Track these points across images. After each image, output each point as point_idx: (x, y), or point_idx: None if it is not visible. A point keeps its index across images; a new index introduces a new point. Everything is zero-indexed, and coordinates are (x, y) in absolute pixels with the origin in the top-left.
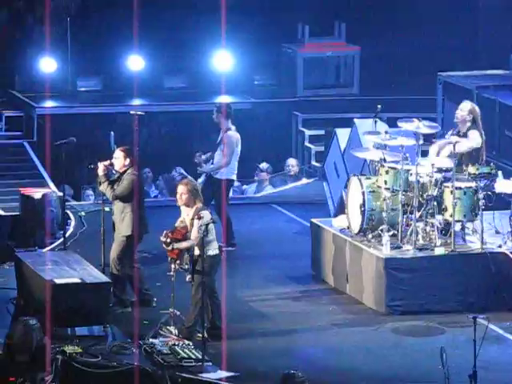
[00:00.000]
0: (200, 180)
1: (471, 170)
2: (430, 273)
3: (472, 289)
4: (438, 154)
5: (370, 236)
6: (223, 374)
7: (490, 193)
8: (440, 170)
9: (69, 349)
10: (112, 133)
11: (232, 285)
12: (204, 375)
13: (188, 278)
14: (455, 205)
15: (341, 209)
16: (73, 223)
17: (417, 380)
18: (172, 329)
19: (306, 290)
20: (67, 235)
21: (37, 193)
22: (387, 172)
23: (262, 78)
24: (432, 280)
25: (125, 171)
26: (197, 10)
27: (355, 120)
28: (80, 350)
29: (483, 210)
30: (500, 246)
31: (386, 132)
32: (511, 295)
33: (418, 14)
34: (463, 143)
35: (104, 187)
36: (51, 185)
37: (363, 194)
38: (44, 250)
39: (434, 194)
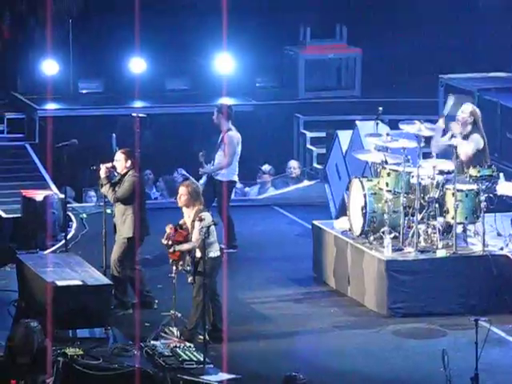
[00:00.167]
0: (201, 181)
1: (473, 172)
2: (432, 275)
3: (474, 291)
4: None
5: (371, 238)
6: (224, 376)
7: (491, 195)
8: (441, 172)
9: (70, 351)
10: (114, 135)
11: (233, 287)
12: (205, 377)
13: (189, 279)
14: (457, 207)
15: (342, 211)
16: (74, 225)
17: (418, 382)
18: (173, 331)
19: (307, 292)
20: (69, 237)
21: (38, 195)
22: (389, 174)
23: (263, 80)
24: (434, 282)
25: (126, 173)
26: (198, 13)
27: (357, 122)
28: (81, 352)
29: (485, 212)
30: (502, 249)
31: (388, 134)
32: None
33: (419, 15)
34: (464, 146)
35: (106, 189)
36: (53, 187)
37: (365, 196)
38: (45, 252)
39: (436, 196)
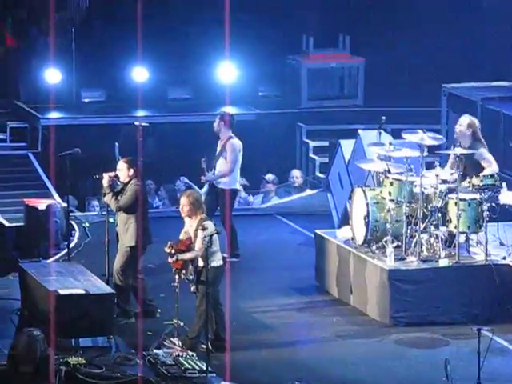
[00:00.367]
0: (203, 190)
1: (475, 181)
2: (435, 284)
3: (476, 300)
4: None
5: (374, 247)
6: None
7: (494, 204)
8: (444, 182)
9: (73, 360)
10: (117, 144)
11: (236, 296)
12: None
13: (192, 288)
14: (459, 216)
15: (345, 220)
16: (77, 234)
17: None
18: (176, 340)
19: (309, 301)
20: (71, 246)
21: (41, 204)
22: (391, 183)
23: (266, 89)
24: (436, 291)
25: (128, 182)
26: (201, 22)
27: (359, 131)
28: (84, 361)
29: (487, 221)
30: (504, 258)
31: (391, 143)
32: None
33: (422, 25)
34: (485, 173)
35: (108, 198)
36: (55, 196)
37: (367, 205)
38: (48, 261)
39: (439, 205)
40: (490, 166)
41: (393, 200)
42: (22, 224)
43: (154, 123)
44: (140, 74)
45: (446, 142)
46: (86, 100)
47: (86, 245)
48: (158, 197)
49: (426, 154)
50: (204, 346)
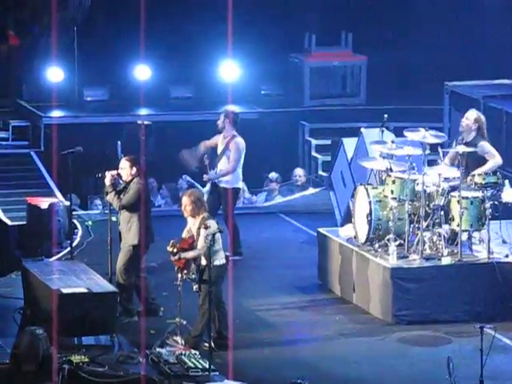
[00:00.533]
0: (206, 189)
1: (478, 179)
2: (437, 282)
3: (479, 298)
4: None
5: (376, 245)
6: (230, 383)
7: (496, 202)
8: (447, 180)
9: (75, 358)
10: (119, 142)
11: (238, 294)
12: None
13: (195, 287)
14: (462, 214)
15: (347, 218)
16: (80, 233)
17: None
18: (178, 338)
19: (312, 299)
20: (74, 245)
21: (43, 202)
22: (394, 182)
23: (268, 87)
24: (439, 290)
25: (131, 181)
26: (203, 20)
27: (362, 129)
28: (87, 360)
29: (490, 219)
30: (507, 256)
31: (393, 142)
32: None
33: (425, 23)
34: (488, 166)
35: (111, 197)
36: (58, 194)
37: (370, 203)
38: (51, 260)
39: (441, 203)
40: (494, 159)
41: (395, 198)
42: (25, 223)
43: (157, 122)
44: (142, 73)
45: (449, 139)
46: (89, 98)
47: (89, 243)
48: (160, 195)
49: (428, 152)
50: (207, 345)
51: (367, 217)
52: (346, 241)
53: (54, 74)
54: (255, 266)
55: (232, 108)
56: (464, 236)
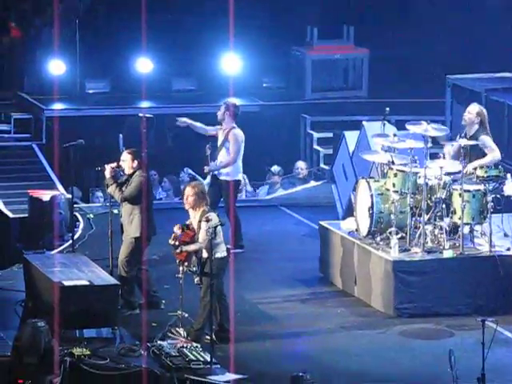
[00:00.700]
0: (206, 181)
1: (480, 172)
2: (439, 275)
3: (480, 292)
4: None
5: (378, 239)
6: (231, 376)
7: (498, 195)
8: (448, 173)
9: (77, 351)
10: (121, 135)
11: (240, 287)
12: (212, 377)
13: (196, 280)
14: (464, 207)
15: (349, 211)
16: (81, 225)
17: (425, 383)
18: (180, 331)
19: (314, 292)
20: (76, 237)
21: (45, 195)
22: (396, 175)
23: (270, 80)
24: (440, 283)
25: (133, 173)
26: (205, 13)
27: (364, 123)
28: (88, 352)
29: (492, 212)
30: (509, 249)
31: (395, 135)
32: None
33: (427, 16)
34: (486, 160)
35: (112, 189)
36: (60, 187)
37: (371, 196)
38: (52, 252)
39: (443, 196)
40: (492, 153)
41: (397, 191)
42: (27, 215)
43: (158, 114)
44: (144, 65)
45: (450, 132)
46: (90, 91)
47: (91, 236)
48: (161, 188)
49: (430, 145)
50: (208, 337)
51: (369, 210)
52: (348, 234)
53: (56, 67)
54: (257, 259)
55: (233, 101)
56: (466, 229)
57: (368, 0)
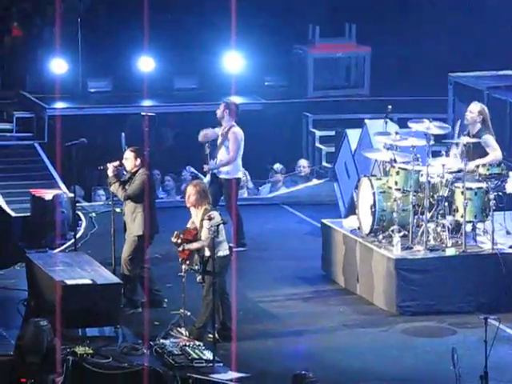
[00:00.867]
0: (206, 179)
1: (482, 170)
2: (441, 273)
3: (483, 289)
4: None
5: (380, 237)
6: (234, 374)
7: (500, 193)
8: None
9: (80, 350)
10: (123, 134)
11: (242, 285)
12: (215, 376)
13: (198, 278)
14: (466, 205)
15: (351, 209)
16: (84, 224)
17: (428, 380)
18: (183, 330)
19: (316, 290)
20: (78, 236)
21: (47, 194)
22: (398, 173)
23: (272, 78)
24: (443, 281)
25: (136, 171)
26: (207, 11)
27: (366, 121)
28: (91, 351)
29: (494, 210)
30: (511, 247)
31: (397, 133)
32: None
33: (428, 14)
34: (487, 159)
35: (115, 188)
36: (62, 186)
37: (374, 194)
38: (55, 251)
39: (445, 194)
40: (494, 152)
41: (399, 189)
42: (29, 214)
43: (160, 113)
44: (146, 64)
45: (452, 130)
46: (92, 90)
47: (93, 235)
48: (163, 187)
49: (432, 143)
50: (211, 336)
51: (371, 208)
52: (350, 232)
53: (58, 66)
54: (259, 258)
55: (232, 99)
56: (468, 227)
57: None
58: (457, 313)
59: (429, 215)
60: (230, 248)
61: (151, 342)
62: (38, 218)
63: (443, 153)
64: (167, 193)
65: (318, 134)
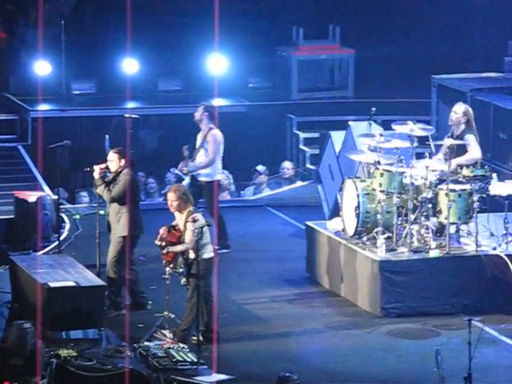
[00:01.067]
0: (185, 182)
1: (466, 172)
2: (425, 275)
3: (467, 291)
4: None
5: (364, 238)
6: (218, 376)
7: (484, 195)
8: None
9: (63, 352)
10: (107, 136)
11: (227, 287)
12: (199, 378)
13: (183, 281)
14: (450, 207)
15: (336, 211)
16: (67, 226)
17: (412, 382)
18: (167, 332)
19: (300, 292)
20: (62, 238)
21: (31, 196)
22: (382, 174)
23: (256, 80)
24: (427, 282)
25: (120, 172)
26: (191, 13)
27: (350, 123)
28: (75, 354)
29: (478, 212)
30: (495, 249)
31: (381, 134)
32: (506, 297)
33: (413, 16)
34: (464, 158)
35: (101, 190)
36: (46, 188)
37: (358, 196)
38: (38, 254)
39: (429, 196)
40: (472, 152)
41: (383, 191)
42: (12, 217)
43: (144, 115)
44: (130, 66)
45: (436, 132)
46: (76, 92)
47: (77, 237)
48: (145, 189)
49: (416, 144)
50: (195, 338)
51: (355, 210)
52: (334, 234)
53: (42, 67)
54: (243, 259)
55: (211, 103)
56: (452, 229)
57: (354, 0)
58: (441, 314)
59: (413, 217)
60: (214, 250)
61: (135, 345)
62: (22, 221)
63: (427, 154)
64: (150, 195)
65: (302, 135)
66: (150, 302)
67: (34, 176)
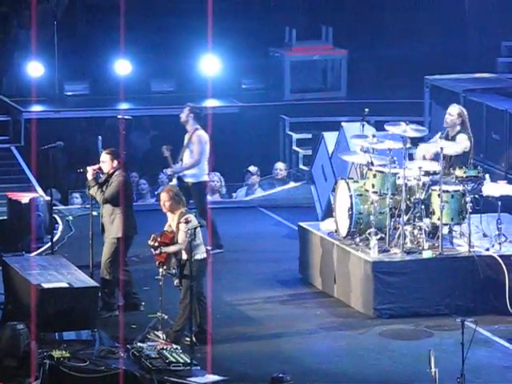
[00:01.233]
0: (172, 183)
1: (459, 173)
2: (418, 276)
3: (460, 292)
4: (423, 158)
5: (357, 239)
6: (211, 377)
7: (477, 196)
8: (427, 174)
9: (57, 353)
10: (100, 137)
11: (220, 288)
12: (192, 379)
13: (176, 282)
14: (443, 208)
15: (328, 212)
16: (60, 227)
17: (404, 383)
18: (160, 333)
19: (293, 293)
20: (55, 239)
21: (24, 197)
22: (375, 175)
23: (249, 81)
24: (420, 283)
25: (113, 173)
26: (184, 14)
27: (342, 123)
28: (68, 355)
29: (471, 213)
30: (488, 249)
31: (374, 135)
32: (499, 298)
33: (405, 17)
34: (450, 147)
35: (94, 191)
36: (39, 189)
37: (351, 197)
38: (31, 255)
39: (422, 197)
40: (455, 145)
41: (376, 192)
42: (5, 218)
43: (137, 116)
44: (123, 67)
45: (429, 133)
46: (69, 93)
47: (70, 238)
48: (137, 190)
49: (409, 145)
50: (188, 339)
51: (348, 211)
52: (327, 235)
53: (35, 69)
54: (236, 260)
55: (196, 104)
56: (445, 230)
57: (346, 1)
58: (434, 315)
59: (406, 218)
60: (207, 251)
61: (128, 346)
62: (15, 222)
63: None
64: (142, 196)
65: (295, 136)
66: (143, 303)
67: (26, 177)
